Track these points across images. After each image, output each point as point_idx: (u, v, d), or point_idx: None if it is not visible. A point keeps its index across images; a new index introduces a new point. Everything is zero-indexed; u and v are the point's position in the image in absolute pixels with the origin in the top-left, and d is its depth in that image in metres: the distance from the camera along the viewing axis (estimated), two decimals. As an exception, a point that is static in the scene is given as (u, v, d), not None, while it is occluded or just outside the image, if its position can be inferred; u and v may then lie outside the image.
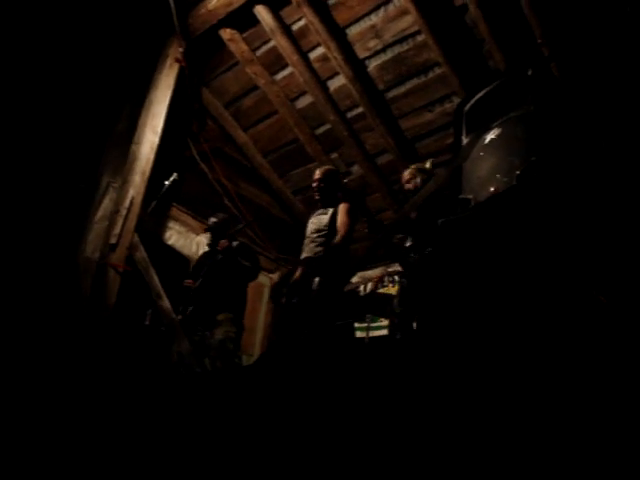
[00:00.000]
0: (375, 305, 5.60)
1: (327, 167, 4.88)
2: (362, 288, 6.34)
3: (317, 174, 4.58)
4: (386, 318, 5.41)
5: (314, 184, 4.56)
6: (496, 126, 3.54)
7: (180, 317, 4.82)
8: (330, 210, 4.40)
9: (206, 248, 5.47)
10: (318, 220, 4.44)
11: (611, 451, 1.82)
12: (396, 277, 5.46)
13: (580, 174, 3.00)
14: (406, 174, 4.58)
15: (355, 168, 6.51)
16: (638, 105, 3.34)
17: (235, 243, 5.02)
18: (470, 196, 3.42)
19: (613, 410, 1.92)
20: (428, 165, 4.60)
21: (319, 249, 4.28)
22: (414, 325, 4.03)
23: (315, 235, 4.37)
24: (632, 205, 2.75)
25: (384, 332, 5.47)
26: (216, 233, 5.13)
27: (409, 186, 4.52)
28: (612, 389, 1.98)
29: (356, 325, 5.76)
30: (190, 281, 5.00)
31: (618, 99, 3.64)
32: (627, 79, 3.62)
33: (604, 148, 3.14)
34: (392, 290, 5.65)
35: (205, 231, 5.28)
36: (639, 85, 3.32)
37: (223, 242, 4.93)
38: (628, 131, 3.26)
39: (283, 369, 3.27)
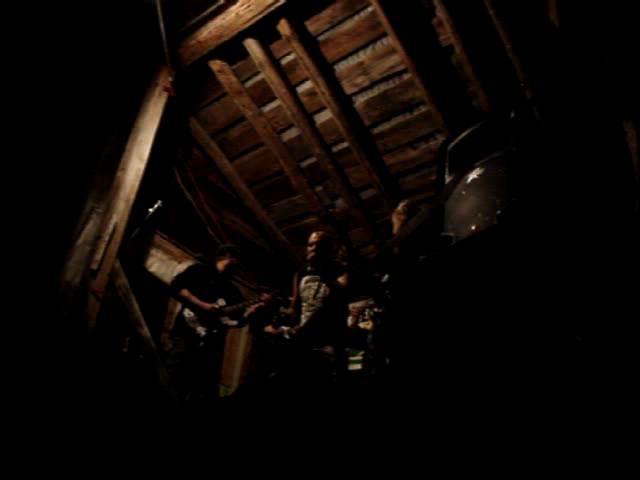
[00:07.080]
0: (355, 339, 5.58)
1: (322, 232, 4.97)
2: (343, 321, 6.31)
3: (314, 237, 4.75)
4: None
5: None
6: (479, 166, 3.59)
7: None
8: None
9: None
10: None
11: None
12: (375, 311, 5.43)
13: (559, 215, 3.06)
14: (393, 219, 4.59)
15: (339, 202, 6.55)
16: (614, 148, 3.42)
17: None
18: (452, 234, 3.46)
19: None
20: (399, 208, 4.56)
21: None
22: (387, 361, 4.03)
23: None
24: (610, 243, 2.81)
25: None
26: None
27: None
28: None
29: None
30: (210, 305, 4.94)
31: (596, 143, 3.73)
32: (605, 123, 3.72)
33: (582, 190, 3.21)
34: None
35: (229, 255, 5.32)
36: (615, 129, 3.40)
37: (267, 296, 4.99)
38: (605, 174, 3.33)
39: (262, 402, 3.25)
